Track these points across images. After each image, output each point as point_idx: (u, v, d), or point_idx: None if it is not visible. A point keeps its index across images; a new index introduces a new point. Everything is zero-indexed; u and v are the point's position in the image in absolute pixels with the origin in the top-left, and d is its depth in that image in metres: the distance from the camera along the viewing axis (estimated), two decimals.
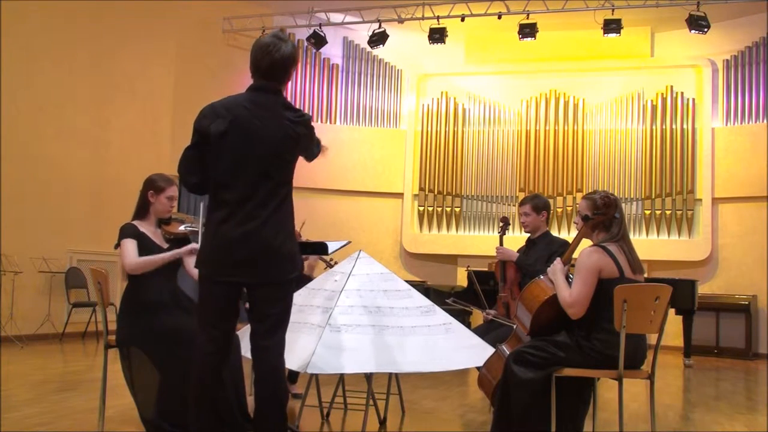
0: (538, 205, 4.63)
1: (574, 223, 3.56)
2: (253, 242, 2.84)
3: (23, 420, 4.08)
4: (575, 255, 3.49)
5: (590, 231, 3.45)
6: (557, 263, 3.44)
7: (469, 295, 8.52)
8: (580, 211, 3.50)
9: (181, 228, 3.93)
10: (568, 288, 3.31)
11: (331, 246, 4.54)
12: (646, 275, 3.55)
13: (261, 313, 2.91)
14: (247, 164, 2.86)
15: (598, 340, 3.23)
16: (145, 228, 3.85)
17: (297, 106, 12.34)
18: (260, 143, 2.85)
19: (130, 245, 3.72)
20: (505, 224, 4.92)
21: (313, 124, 3.07)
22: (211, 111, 2.93)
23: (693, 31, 9.44)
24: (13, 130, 8.28)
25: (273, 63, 2.93)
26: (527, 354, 3.29)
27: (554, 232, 7.34)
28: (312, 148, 3.11)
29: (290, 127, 2.91)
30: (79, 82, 9.09)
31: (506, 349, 3.55)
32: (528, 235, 4.72)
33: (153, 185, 3.89)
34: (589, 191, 3.86)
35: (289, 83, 11.56)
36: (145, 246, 3.77)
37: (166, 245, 3.89)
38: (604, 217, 3.39)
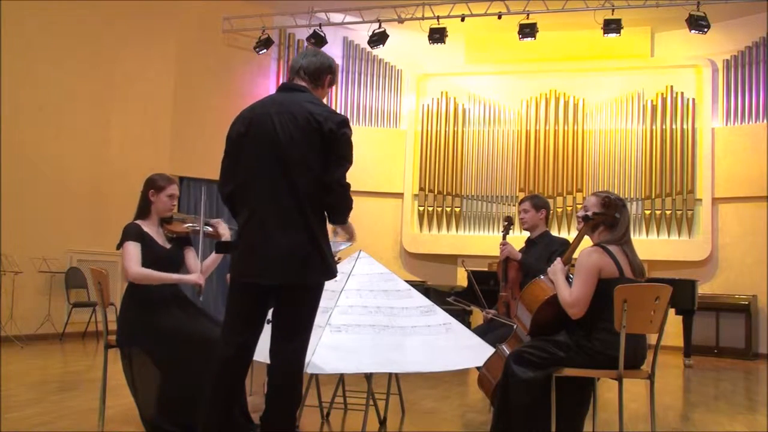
0: (537, 203, 4.68)
1: (577, 216, 3.56)
2: (273, 244, 2.78)
3: (23, 420, 4.08)
4: (575, 255, 3.50)
5: (590, 231, 3.46)
6: (557, 263, 3.44)
7: (469, 295, 8.52)
8: (584, 209, 3.50)
9: (184, 227, 3.93)
10: (569, 288, 3.31)
11: (333, 246, 4.54)
12: (646, 275, 3.53)
13: (281, 316, 2.87)
14: (266, 163, 2.81)
15: (598, 340, 3.23)
16: (148, 228, 3.85)
17: None
18: (278, 141, 2.79)
19: (134, 250, 3.72)
20: (508, 223, 4.92)
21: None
22: (238, 116, 2.95)
23: (693, 31, 9.44)
24: (13, 130, 8.28)
25: (308, 64, 2.96)
26: (527, 354, 3.29)
27: (554, 232, 7.35)
28: (336, 156, 2.81)
29: (313, 122, 2.79)
30: (79, 82, 9.10)
31: (506, 349, 3.56)
32: (527, 235, 4.75)
33: (153, 184, 3.89)
34: (593, 191, 3.87)
35: None
36: (149, 246, 3.78)
37: (168, 245, 3.90)
38: (605, 217, 3.40)
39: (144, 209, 3.91)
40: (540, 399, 3.25)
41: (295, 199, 2.79)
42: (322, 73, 2.99)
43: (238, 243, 2.91)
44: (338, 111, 11.65)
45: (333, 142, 2.80)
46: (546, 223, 4.73)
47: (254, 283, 2.85)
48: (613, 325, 3.16)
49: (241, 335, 2.89)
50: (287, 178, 2.79)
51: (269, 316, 2.99)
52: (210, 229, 3.85)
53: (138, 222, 3.86)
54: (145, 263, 3.73)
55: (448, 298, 5.15)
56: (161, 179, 3.91)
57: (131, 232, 3.78)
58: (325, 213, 2.90)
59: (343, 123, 2.85)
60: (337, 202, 2.87)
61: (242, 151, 2.87)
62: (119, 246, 3.79)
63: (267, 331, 2.98)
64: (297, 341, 2.85)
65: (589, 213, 3.41)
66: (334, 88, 11.60)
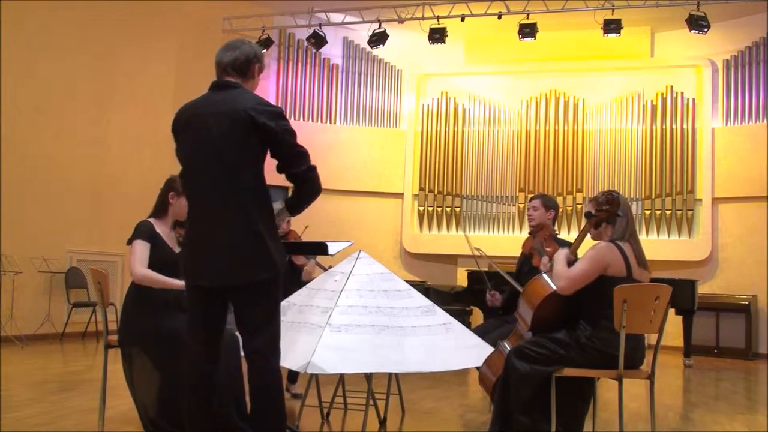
0: (548, 203, 4.68)
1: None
2: (216, 243, 2.78)
3: (23, 420, 4.08)
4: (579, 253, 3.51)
5: (593, 228, 3.46)
6: (562, 251, 3.46)
7: (468, 296, 8.55)
8: (585, 210, 3.54)
9: None
10: (567, 267, 3.33)
11: (333, 247, 4.53)
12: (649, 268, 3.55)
13: (242, 317, 2.86)
14: (205, 164, 2.81)
15: (598, 339, 3.24)
16: (161, 228, 3.83)
17: (296, 106, 12.08)
18: (213, 139, 2.79)
19: (142, 250, 3.70)
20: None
21: (290, 122, 2.85)
22: (175, 118, 2.97)
23: (693, 31, 9.44)
24: (13, 130, 8.28)
25: (235, 58, 2.94)
26: (527, 350, 3.31)
27: None
28: (287, 149, 2.79)
29: (246, 117, 2.76)
30: (79, 82, 9.09)
31: (507, 346, 3.57)
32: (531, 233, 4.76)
33: (174, 186, 3.83)
34: (592, 196, 3.91)
35: (289, 83, 11.59)
36: (158, 248, 3.76)
37: (178, 249, 3.88)
38: (607, 214, 3.41)
39: (161, 209, 3.87)
40: (540, 394, 3.26)
41: (235, 197, 2.78)
42: (250, 64, 2.96)
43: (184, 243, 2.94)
44: (338, 111, 11.77)
45: (271, 136, 2.78)
46: (553, 225, 4.73)
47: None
48: (613, 323, 3.17)
49: (204, 332, 2.90)
50: (226, 176, 2.78)
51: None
52: None
53: (152, 221, 3.84)
54: (152, 265, 3.72)
55: (476, 249, 4.92)
56: None
57: (143, 231, 3.75)
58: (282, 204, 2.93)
59: (278, 115, 2.82)
60: (311, 190, 2.88)
61: (184, 152, 2.90)
62: (129, 241, 3.78)
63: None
64: (263, 338, 2.83)
65: (592, 210, 3.43)
66: (334, 87, 11.73)
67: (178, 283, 3.74)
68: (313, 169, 2.87)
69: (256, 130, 2.76)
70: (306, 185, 2.87)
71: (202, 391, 2.89)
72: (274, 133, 2.77)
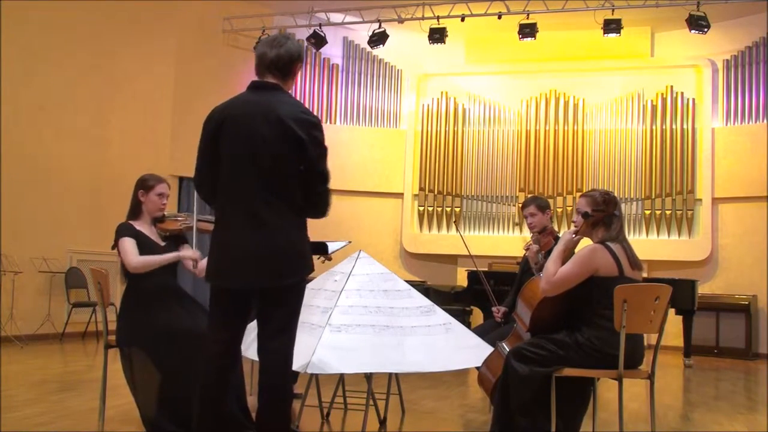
0: (541, 204, 4.68)
1: (573, 222, 3.55)
2: (243, 245, 2.78)
3: (23, 420, 4.08)
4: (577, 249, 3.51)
5: (590, 229, 3.45)
6: (568, 232, 3.45)
7: (468, 295, 8.55)
8: (579, 209, 3.49)
9: (177, 224, 3.92)
10: (559, 265, 3.31)
11: (331, 246, 4.54)
12: (645, 275, 3.54)
13: (264, 316, 2.86)
14: (238, 166, 2.80)
15: (598, 339, 3.24)
16: (141, 227, 3.85)
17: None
18: (249, 142, 2.78)
19: (130, 244, 3.73)
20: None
21: (323, 129, 2.85)
22: (209, 115, 2.94)
23: (693, 31, 9.44)
24: (13, 130, 8.28)
25: (278, 57, 2.88)
26: (527, 351, 3.31)
27: None
28: (311, 168, 2.81)
29: (284, 125, 2.76)
30: (79, 82, 9.09)
31: (506, 347, 3.57)
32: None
33: (143, 184, 3.90)
34: (587, 190, 3.87)
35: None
36: (145, 244, 3.78)
37: (163, 243, 3.90)
38: (604, 213, 3.40)
39: (135, 209, 3.92)
40: (539, 396, 3.26)
41: (266, 199, 2.78)
42: (292, 64, 2.92)
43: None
44: (338, 111, 11.76)
45: (306, 146, 2.78)
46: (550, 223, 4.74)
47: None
48: (612, 323, 3.17)
49: (225, 332, 2.90)
50: (259, 179, 2.78)
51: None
52: (204, 224, 3.84)
53: (130, 222, 3.87)
54: None
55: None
56: (151, 179, 3.92)
57: (124, 231, 3.80)
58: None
59: (314, 125, 2.82)
60: (318, 204, 2.88)
61: (215, 154, 2.87)
62: (114, 246, 3.79)
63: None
64: (282, 339, 2.83)
65: (589, 210, 3.40)
66: (334, 87, 11.73)
67: (173, 255, 3.79)
68: (327, 190, 2.87)
69: (291, 141, 2.76)
70: (318, 205, 2.87)
71: (215, 391, 2.88)
72: (309, 144, 2.78)
